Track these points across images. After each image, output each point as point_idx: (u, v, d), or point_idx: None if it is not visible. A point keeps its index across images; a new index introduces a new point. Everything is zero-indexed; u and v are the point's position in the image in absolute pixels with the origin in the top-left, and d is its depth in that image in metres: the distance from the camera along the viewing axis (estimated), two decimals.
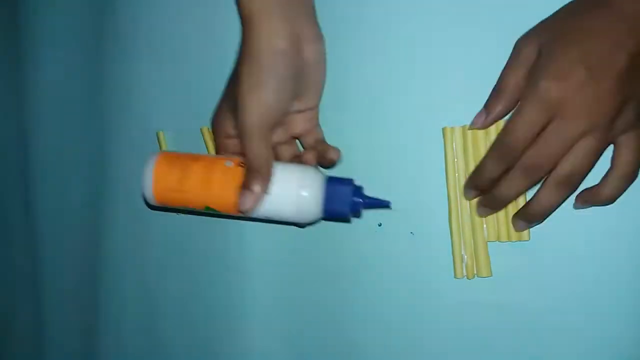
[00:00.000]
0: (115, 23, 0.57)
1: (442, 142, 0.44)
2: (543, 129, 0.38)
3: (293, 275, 0.50)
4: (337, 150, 0.45)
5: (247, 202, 0.40)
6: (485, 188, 0.42)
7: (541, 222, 0.42)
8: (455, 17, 0.43)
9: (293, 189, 0.42)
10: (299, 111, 0.44)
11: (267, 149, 0.41)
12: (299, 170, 0.43)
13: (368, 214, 0.46)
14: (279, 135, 0.45)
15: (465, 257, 0.44)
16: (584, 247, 0.43)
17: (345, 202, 0.42)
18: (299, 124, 0.45)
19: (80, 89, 0.61)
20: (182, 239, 0.55)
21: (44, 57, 0.63)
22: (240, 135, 0.41)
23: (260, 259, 0.51)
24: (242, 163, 0.42)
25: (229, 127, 0.43)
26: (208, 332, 0.54)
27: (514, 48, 0.41)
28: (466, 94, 0.43)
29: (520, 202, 0.43)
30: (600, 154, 0.39)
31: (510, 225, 0.43)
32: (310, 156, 0.44)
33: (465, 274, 0.44)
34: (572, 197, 0.41)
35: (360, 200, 0.42)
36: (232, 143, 0.44)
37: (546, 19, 0.40)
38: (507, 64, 0.41)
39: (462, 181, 0.44)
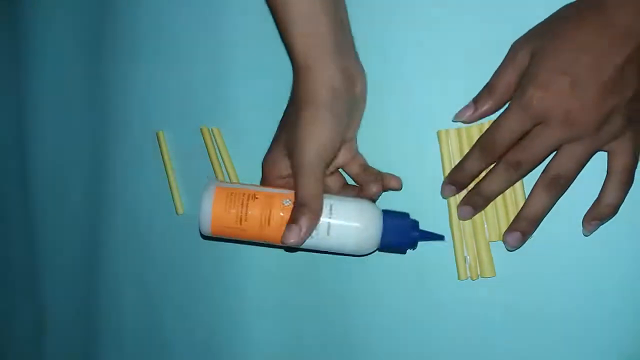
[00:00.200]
0: (115, 23, 0.57)
1: (438, 145, 0.45)
2: (527, 133, 0.39)
3: (293, 275, 0.50)
4: (398, 178, 0.45)
5: (291, 236, 0.40)
6: (464, 184, 0.43)
7: (534, 229, 0.42)
8: (453, 19, 0.44)
9: (353, 225, 0.42)
10: (343, 142, 0.44)
11: (318, 185, 0.41)
12: (357, 206, 0.43)
13: None
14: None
15: (469, 258, 0.44)
16: (587, 245, 0.42)
17: (403, 236, 0.43)
18: (342, 154, 0.45)
19: (80, 88, 0.61)
20: (182, 239, 0.54)
21: (44, 57, 0.63)
22: (295, 173, 0.41)
23: (260, 260, 0.51)
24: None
25: (282, 169, 0.44)
26: (208, 332, 0.54)
27: (510, 50, 0.41)
28: (463, 97, 0.43)
29: (520, 199, 0.43)
30: (588, 159, 0.40)
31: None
32: (374, 189, 0.44)
33: (469, 275, 0.44)
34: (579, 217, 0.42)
35: (417, 234, 0.43)
36: (283, 183, 0.44)
37: (541, 23, 0.41)
38: (502, 64, 0.41)
39: None
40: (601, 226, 0.41)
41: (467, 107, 0.43)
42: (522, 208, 0.42)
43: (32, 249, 0.66)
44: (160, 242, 0.56)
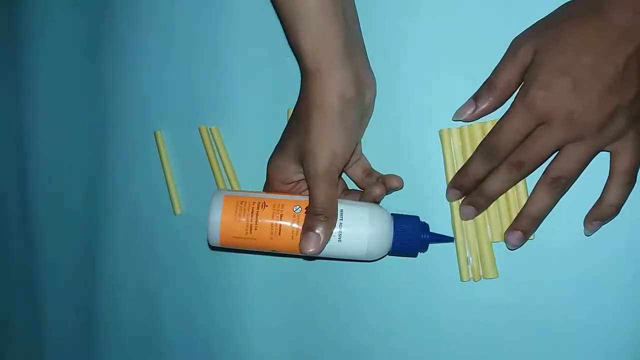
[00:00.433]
0: (114, 23, 0.57)
1: (440, 144, 0.44)
2: (530, 133, 0.39)
3: (293, 275, 0.50)
4: (399, 178, 0.45)
5: (311, 245, 0.40)
6: (469, 189, 0.43)
7: (535, 228, 0.42)
8: (454, 18, 0.44)
9: (364, 231, 0.41)
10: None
11: (333, 192, 0.41)
12: (367, 211, 0.42)
13: None
14: None
15: (471, 259, 0.44)
16: (589, 246, 0.42)
17: (414, 240, 0.43)
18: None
19: (79, 88, 0.61)
20: (182, 238, 0.54)
21: (43, 56, 0.64)
22: (310, 181, 0.41)
23: (260, 259, 0.51)
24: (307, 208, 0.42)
25: (291, 175, 0.43)
26: (206, 332, 0.54)
27: (510, 47, 0.41)
28: (465, 96, 0.43)
29: (522, 200, 0.43)
30: (590, 159, 0.39)
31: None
32: (377, 192, 0.44)
33: (471, 276, 0.44)
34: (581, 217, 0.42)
35: (428, 237, 0.43)
36: (288, 189, 0.44)
37: (542, 20, 0.40)
38: (502, 60, 0.41)
39: None
40: (603, 226, 0.41)
41: (467, 104, 0.43)
42: (523, 207, 0.42)
43: (30, 248, 0.66)
44: (158, 241, 0.56)
